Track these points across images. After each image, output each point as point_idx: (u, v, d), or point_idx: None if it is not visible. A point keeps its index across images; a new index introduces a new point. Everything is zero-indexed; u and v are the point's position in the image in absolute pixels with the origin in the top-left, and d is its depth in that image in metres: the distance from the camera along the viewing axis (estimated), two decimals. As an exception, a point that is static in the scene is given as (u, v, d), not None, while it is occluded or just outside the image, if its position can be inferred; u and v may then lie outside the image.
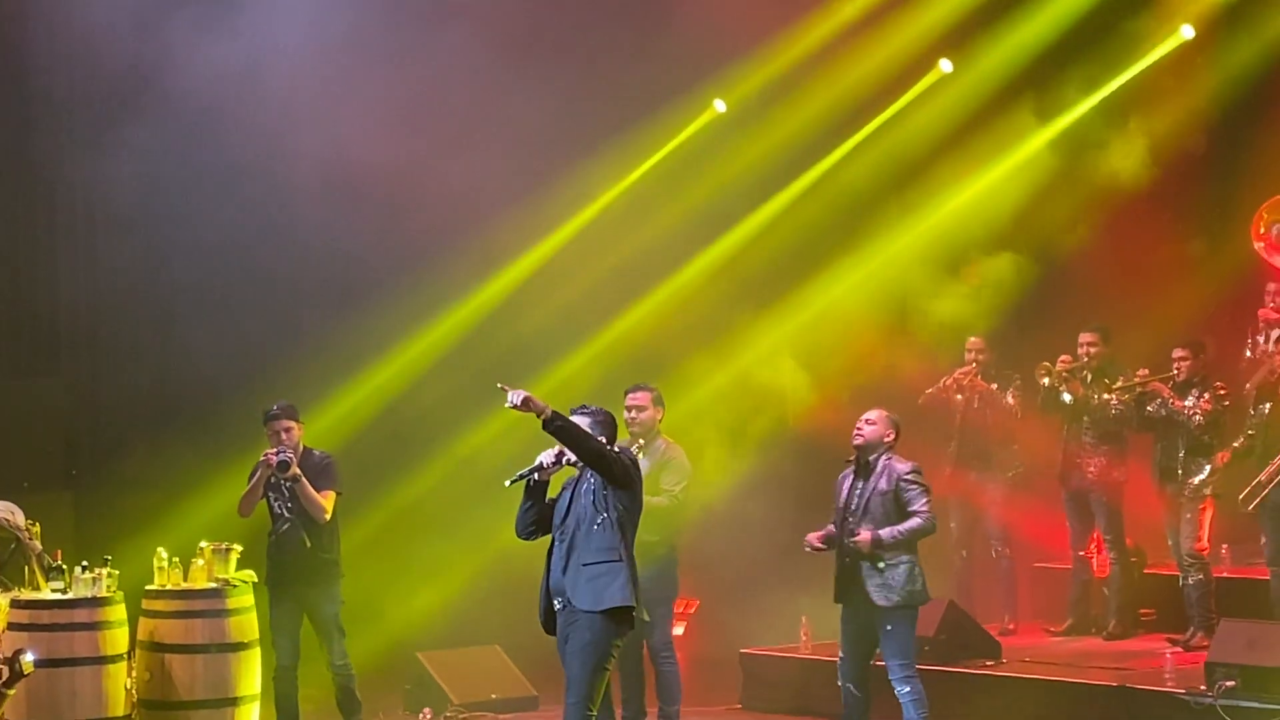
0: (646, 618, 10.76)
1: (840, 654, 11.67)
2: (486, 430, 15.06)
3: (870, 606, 11.30)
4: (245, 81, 14.75)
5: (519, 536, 9.99)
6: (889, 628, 11.30)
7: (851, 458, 11.51)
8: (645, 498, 12.12)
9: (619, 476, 9.73)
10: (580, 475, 9.87)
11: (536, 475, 9.80)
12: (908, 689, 11.35)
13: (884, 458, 11.38)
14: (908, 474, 11.30)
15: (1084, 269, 15.51)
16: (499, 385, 9.61)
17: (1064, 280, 15.57)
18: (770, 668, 13.93)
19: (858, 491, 11.39)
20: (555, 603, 9.80)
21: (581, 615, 9.70)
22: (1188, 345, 13.47)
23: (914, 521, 11.23)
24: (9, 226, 15.60)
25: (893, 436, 11.43)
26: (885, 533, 11.23)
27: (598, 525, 9.71)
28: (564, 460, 9.76)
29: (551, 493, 9.98)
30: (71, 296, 15.74)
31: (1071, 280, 15.59)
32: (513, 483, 9.82)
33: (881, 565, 11.24)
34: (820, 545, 11.48)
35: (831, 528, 11.50)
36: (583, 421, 9.81)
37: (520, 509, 9.91)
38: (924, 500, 11.27)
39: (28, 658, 8.53)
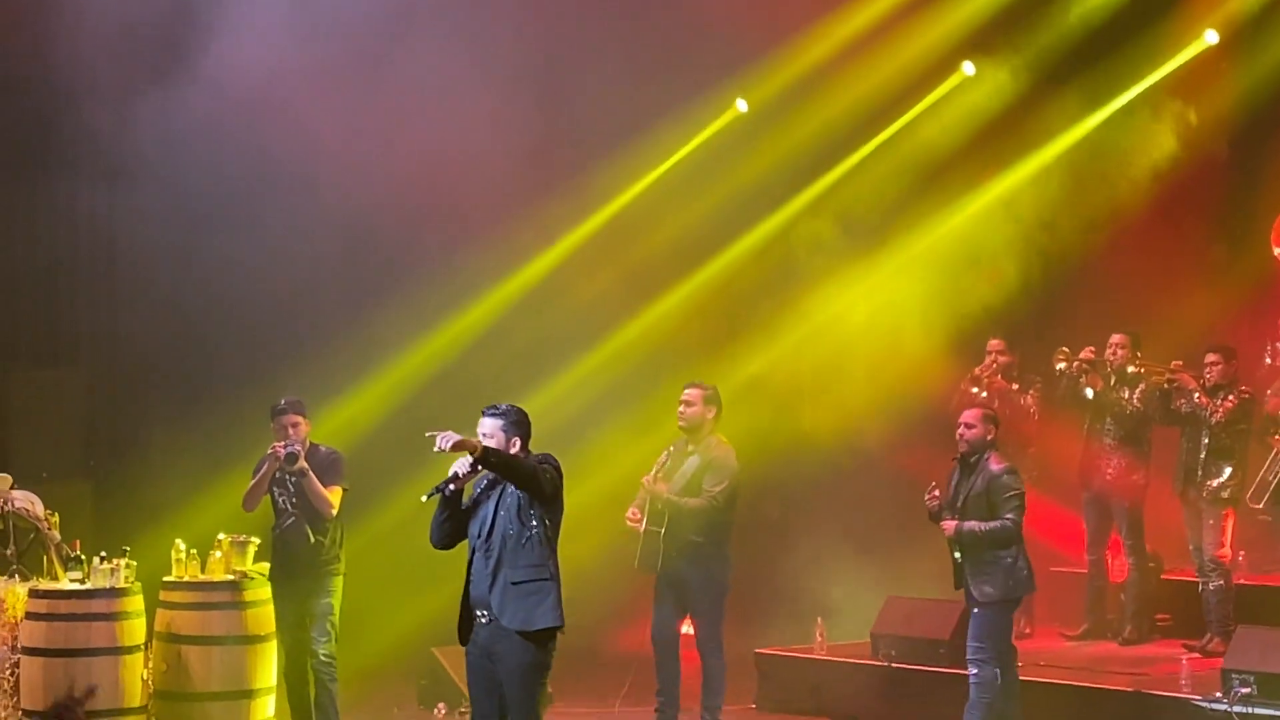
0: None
1: None
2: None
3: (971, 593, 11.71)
4: (264, 79, 14.76)
5: (436, 547, 9.76)
6: (976, 611, 11.69)
7: (956, 456, 11.81)
8: (682, 500, 12.26)
9: (549, 496, 9.55)
10: (499, 487, 9.63)
11: (452, 485, 9.57)
12: (977, 671, 11.67)
13: (984, 457, 11.73)
14: (1000, 475, 11.69)
15: (1105, 273, 15.49)
16: (427, 434, 9.44)
17: (1085, 284, 15.56)
18: (785, 668, 13.93)
19: (961, 490, 11.76)
20: (478, 615, 9.58)
21: (513, 636, 9.51)
22: (1219, 350, 13.51)
23: (996, 524, 11.61)
24: (29, 219, 15.64)
25: (994, 434, 11.81)
26: (967, 525, 11.60)
27: (525, 542, 9.51)
28: (478, 468, 9.55)
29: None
30: (91, 288, 15.78)
31: (1092, 284, 15.57)
32: (429, 497, 9.62)
33: (967, 561, 11.61)
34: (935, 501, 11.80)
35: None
36: (495, 423, 9.59)
37: (435, 520, 9.68)
38: (1012, 505, 11.65)
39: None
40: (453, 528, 9.67)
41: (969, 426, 11.76)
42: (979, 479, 11.68)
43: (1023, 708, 11.85)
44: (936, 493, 11.80)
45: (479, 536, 9.61)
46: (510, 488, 9.57)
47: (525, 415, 9.70)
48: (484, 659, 9.58)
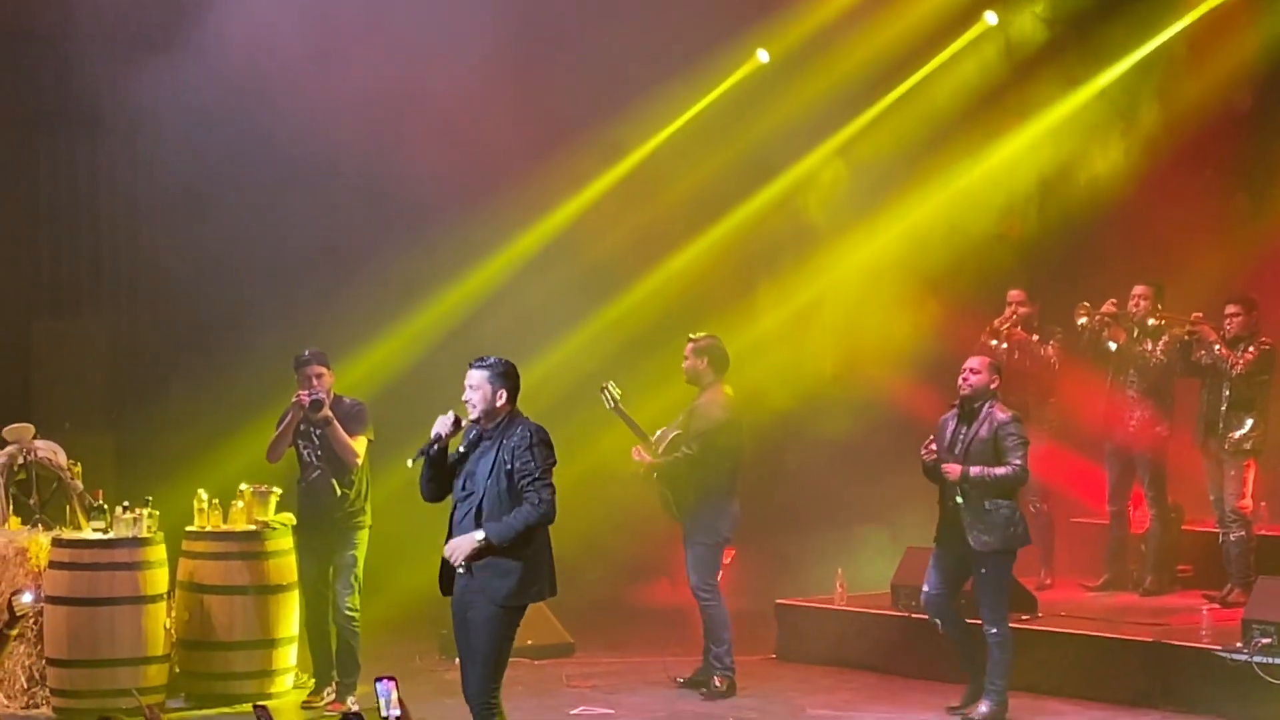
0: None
1: (926, 588, 11.96)
2: (532, 373, 15.07)
3: (966, 548, 11.61)
4: (282, 32, 14.73)
5: (427, 501, 9.79)
6: (983, 570, 11.69)
7: (956, 403, 11.77)
8: (660, 461, 12.38)
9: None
10: (490, 455, 9.58)
11: (435, 446, 9.60)
12: (995, 630, 11.72)
13: (987, 405, 11.69)
14: (1007, 423, 11.66)
15: (1126, 225, 15.44)
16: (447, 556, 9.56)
17: (1106, 235, 15.50)
18: (805, 619, 13.95)
19: (961, 435, 11.72)
20: (458, 567, 9.60)
21: (487, 601, 9.54)
22: (1240, 301, 13.46)
23: (1004, 470, 11.59)
24: (51, 169, 15.67)
25: (997, 383, 11.77)
26: (973, 470, 11.56)
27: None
28: (460, 424, 9.60)
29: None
30: (113, 239, 15.81)
31: (1114, 236, 15.52)
32: (415, 461, 9.67)
33: (970, 505, 11.55)
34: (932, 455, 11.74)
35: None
36: (482, 375, 9.55)
37: (423, 477, 9.69)
38: (1020, 452, 11.64)
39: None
40: (440, 484, 9.70)
41: (974, 372, 11.73)
42: (983, 426, 11.64)
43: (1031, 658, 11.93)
44: (933, 445, 11.77)
45: (463, 491, 9.63)
46: (500, 457, 9.53)
47: (513, 368, 9.65)
48: (462, 608, 9.65)
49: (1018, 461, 11.61)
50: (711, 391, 12.71)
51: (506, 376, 9.59)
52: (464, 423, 9.62)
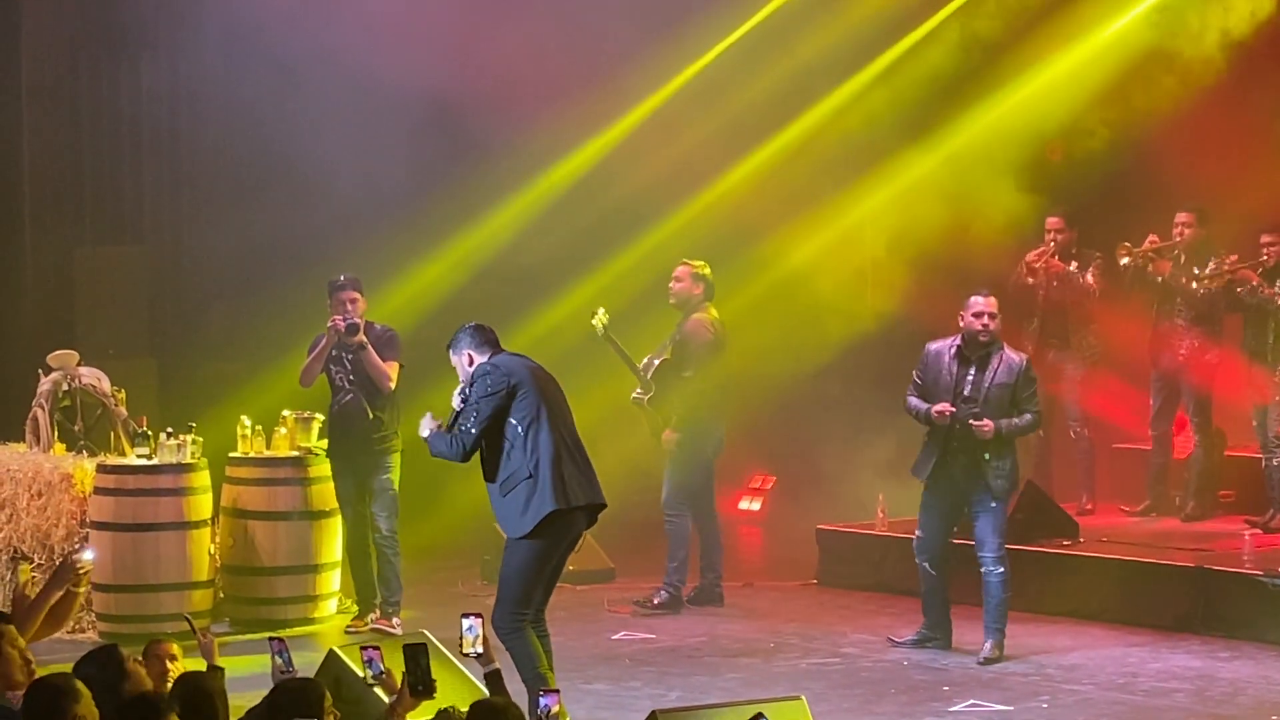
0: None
1: (919, 532, 11.84)
2: (564, 306, 15.11)
3: (967, 490, 11.56)
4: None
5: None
6: (993, 505, 11.58)
7: (958, 341, 11.59)
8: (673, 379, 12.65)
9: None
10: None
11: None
12: (1002, 569, 11.66)
13: (999, 348, 11.55)
14: (1027, 369, 11.58)
15: (1169, 149, 15.31)
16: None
17: (1148, 160, 15.38)
18: (846, 544, 13.97)
19: (970, 379, 11.53)
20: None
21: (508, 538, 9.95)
22: (1276, 230, 13.37)
23: (1027, 418, 11.53)
24: (92, 96, 15.68)
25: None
26: (1004, 424, 11.45)
27: (502, 451, 9.79)
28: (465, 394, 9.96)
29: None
30: (155, 165, 15.83)
31: (1157, 160, 15.38)
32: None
33: (995, 458, 11.49)
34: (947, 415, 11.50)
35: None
36: (451, 355, 9.94)
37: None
38: (1037, 399, 11.58)
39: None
40: None
41: (993, 318, 11.50)
42: (999, 371, 11.46)
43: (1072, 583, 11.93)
44: (948, 409, 11.42)
45: None
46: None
47: (467, 327, 9.95)
48: None
49: (1037, 408, 11.58)
50: (699, 315, 12.86)
51: (463, 339, 9.92)
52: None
